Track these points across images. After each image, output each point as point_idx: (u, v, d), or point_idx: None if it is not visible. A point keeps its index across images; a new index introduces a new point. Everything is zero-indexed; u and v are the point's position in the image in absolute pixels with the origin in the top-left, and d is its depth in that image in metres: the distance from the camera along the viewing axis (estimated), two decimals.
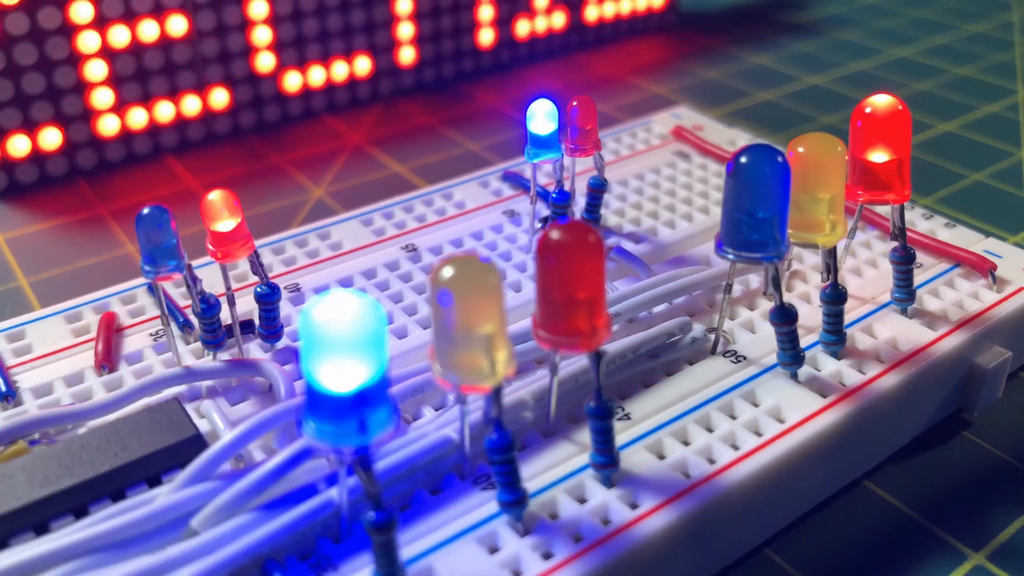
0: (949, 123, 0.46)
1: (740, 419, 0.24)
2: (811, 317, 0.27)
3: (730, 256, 0.24)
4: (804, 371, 0.25)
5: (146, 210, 0.24)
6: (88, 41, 0.40)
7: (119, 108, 0.42)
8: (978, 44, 0.56)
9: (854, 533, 0.24)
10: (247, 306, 0.28)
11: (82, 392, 0.26)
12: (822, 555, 0.24)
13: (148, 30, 0.42)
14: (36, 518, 0.21)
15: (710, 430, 0.24)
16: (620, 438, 0.23)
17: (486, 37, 0.52)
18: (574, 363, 0.25)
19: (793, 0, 0.64)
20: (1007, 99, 0.48)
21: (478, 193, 0.35)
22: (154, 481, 0.23)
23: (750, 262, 0.23)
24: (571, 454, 0.23)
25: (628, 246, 0.31)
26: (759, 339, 0.27)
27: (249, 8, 0.44)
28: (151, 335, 0.28)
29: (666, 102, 0.48)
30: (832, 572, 0.23)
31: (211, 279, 0.29)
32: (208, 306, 0.26)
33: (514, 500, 0.21)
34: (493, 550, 0.21)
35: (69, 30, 0.40)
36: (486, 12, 0.51)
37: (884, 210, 0.31)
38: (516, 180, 0.36)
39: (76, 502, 0.22)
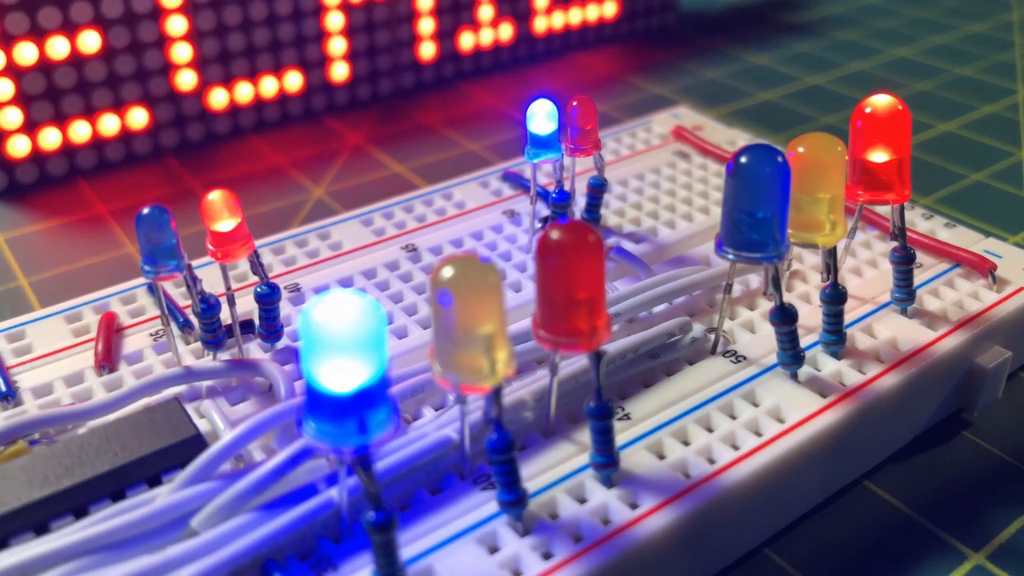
0: (949, 123, 0.46)
1: (740, 419, 0.24)
2: (811, 317, 0.27)
3: (730, 256, 0.24)
4: (804, 371, 0.25)
5: (146, 210, 0.24)
6: (88, 41, 0.40)
7: (119, 108, 0.42)
8: (978, 44, 0.56)
9: (854, 533, 0.24)
10: (247, 306, 0.28)
11: (82, 392, 0.26)
12: (822, 555, 0.24)
13: (148, 30, 0.42)
14: (36, 518, 0.21)
15: (710, 430, 0.24)
16: (620, 438, 0.23)
17: (486, 37, 0.52)
18: (574, 363, 0.25)
19: (793, 0, 0.64)
20: (1007, 99, 0.48)
21: (478, 193, 0.35)
22: (154, 481, 0.23)
23: (750, 262, 0.23)
24: (571, 454, 0.23)
25: (628, 246, 0.31)
26: (759, 339, 0.27)
27: (249, 9, 0.44)
28: (151, 335, 0.28)
29: (666, 102, 0.48)
30: (832, 572, 0.23)
31: (211, 279, 0.29)
32: (208, 306, 0.26)
33: (514, 500, 0.21)
34: (493, 550, 0.21)
35: (71, 29, 0.40)
36: (486, 12, 0.51)
37: (884, 210, 0.31)
38: (516, 180, 0.36)
39: (76, 502, 0.22)
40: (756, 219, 0.23)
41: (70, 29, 0.40)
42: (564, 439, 0.24)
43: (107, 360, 0.27)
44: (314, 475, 0.22)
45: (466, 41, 0.51)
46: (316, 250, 0.32)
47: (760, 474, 0.23)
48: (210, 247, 0.25)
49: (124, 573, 0.20)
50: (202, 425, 0.24)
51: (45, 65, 0.40)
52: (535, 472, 0.23)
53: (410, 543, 0.21)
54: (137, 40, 0.42)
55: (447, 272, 0.19)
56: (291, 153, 0.44)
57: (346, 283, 0.30)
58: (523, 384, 0.24)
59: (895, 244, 0.27)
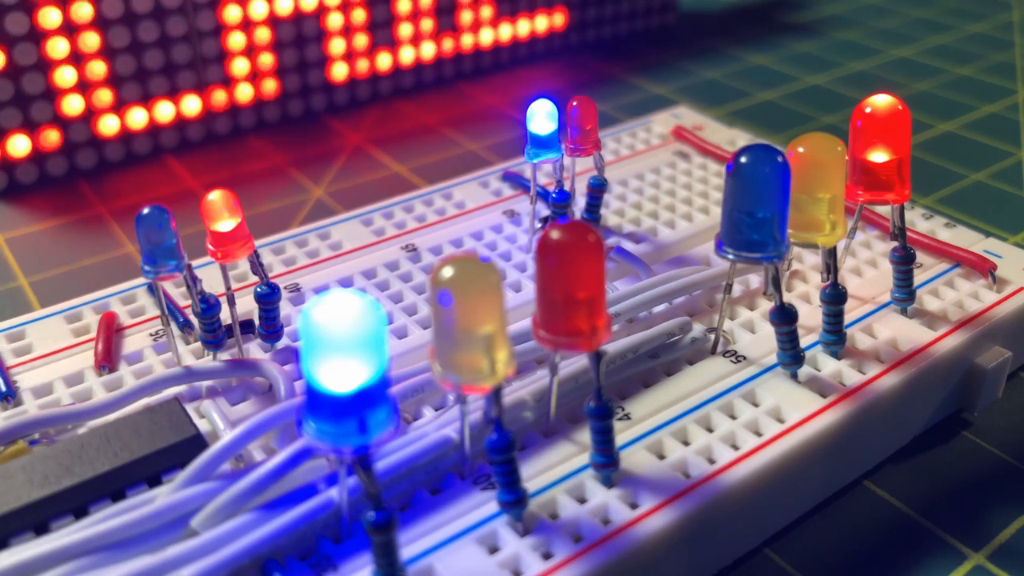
0: (949, 123, 0.46)
1: (740, 419, 0.24)
2: (811, 317, 0.27)
3: (730, 256, 0.24)
4: (804, 371, 0.25)
5: (146, 210, 0.24)
6: (88, 41, 0.40)
7: (119, 108, 0.42)
8: (978, 44, 0.56)
9: (854, 533, 0.24)
10: (247, 306, 0.28)
11: (82, 392, 0.26)
12: (822, 555, 0.24)
13: (148, 30, 0.42)
14: (36, 518, 0.21)
15: (710, 430, 0.24)
16: (620, 438, 0.23)
17: (486, 37, 0.52)
18: (574, 363, 0.25)
19: (793, 0, 0.64)
20: (1007, 99, 0.48)
21: (478, 193, 0.35)
22: (154, 481, 0.23)
23: (750, 262, 0.23)
24: (571, 454, 0.23)
25: (628, 246, 0.31)
26: (759, 339, 0.27)
27: (248, 9, 0.44)
28: (151, 335, 0.28)
29: (666, 102, 0.48)
30: (832, 572, 0.23)
31: (211, 279, 0.29)
32: (208, 306, 0.26)
33: (514, 500, 0.21)
34: (493, 550, 0.21)
35: (71, 29, 0.40)
36: (486, 12, 0.51)
37: (884, 210, 0.31)
38: (516, 180, 0.36)
39: (76, 502, 0.22)
40: (756, 219, 0.23)
41: (70, 29, 0.40)
42: (564, 439, 0.24)
43: (107, 360, 0.27)
44: (314, 475, 0.22)
45: (466, 41, 0.51)
46: (316, 250, 0.32)
47: (760, 474, 0.23)
48: (210, 247, 0.25)
49: (124, 573, 0.20)
50: (202, 425, 0.24)
51: (45, 65, 0.40)
52: (535, 472, 0.23)
53: (410, 543, 0.21)
54: (137, 40, 0.42)
55: (447, 272, 0.19)
56: (291, 153, 0.44)
57: (346, 283, 0.30)
58: (523, 384, 0.24)
59: (895, 244, 0.27)
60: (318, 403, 0.18)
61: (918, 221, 0.32)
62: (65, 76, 0.40)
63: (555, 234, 0.20)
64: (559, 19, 0.54)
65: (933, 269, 0.30)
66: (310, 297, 0.30)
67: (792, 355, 0.25)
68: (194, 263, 0.30)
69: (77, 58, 0.41)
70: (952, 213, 0.38)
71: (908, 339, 0.27)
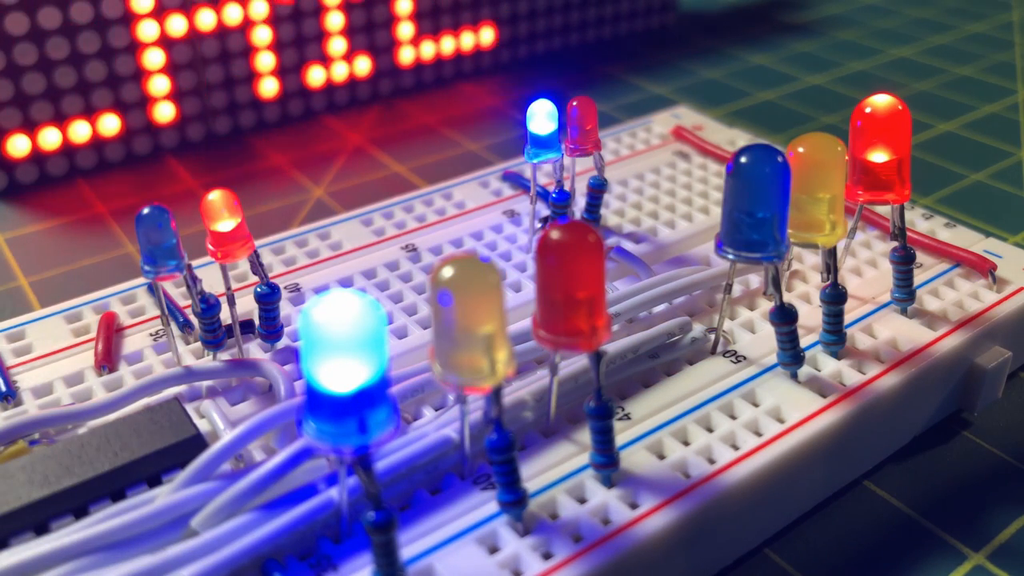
0: (949, 123, 0.46)
1: (740, 419, 0.24)
2: (811, 317, 0.27)
3: (730, 256, 0.24)
4: (804, 371, 0.25)
5: (146, 210, 0.24)
6: (89, 41, 0.40)
7: (119, 108, 0.42)
8: (978, 44, 0.56)
9: (854, 533, 0.24)
10: (247, 306, 0.28)
11: (82, 392, 0.26)
12: (822, 555, 0.24)
13: (148, 30, 0.42)
14: (36, 518, 0.21)
15: (710, 430, 0.24)
16: (620, 438, 0.23)
17: (486, 37, 0.52)
18: (574, 363, 0.25)
19: (793, 0, 0.64)
20: (1007, 99, 0.48)
21: (478, 193, 0.35)
22: (154, 481, 0.23)
23: (750, 262, 0.23)
24: (571, 454, 0.23)
25: (628, 246, 0.31)
26: (759, 339, 0.27)
27: (248, 8, 0.44)
28: (151, 335, 0.28)
29: (666, 102, 0.48)
30: (832, 572, 0.23)
31: (211, 279, 0.29)
32: (208, 306, 0.26)
33: (514, 500, 0.21)
34: (493, 550, 0.21)
35: (71, 30, 0.40)
36: (486, 13, 0.51)
37: (884, 210, 0.31)
38: (516, 180, 0.36)
39: (76, 502, 0.22)
40: (756, 219, 0.23)
41: (69, 29, 0.40)
42: (564, 439, 0.24)
43: (107, 360, 0.27)
44: (314, 475, 0.22)
45: (466, 41, 0.51)
46: (316, 250, 0.32)
47: (760, 474, 0.23)
48: (210, 247, 0.25)
49: (124, 573, 0.20)
50: (202, 425, 0.24)
51: (45, 65, 0.40)
52: (535, 472, 0.23)
53: (410, 543, 0.21)
54: (136, 40, 0.42)
55: (447, 272, 0.19)
56: (291, 153, 0.44)
57: (346, 283, 0.30)
58: (523, 384, 0.24)
59: (895, 244, 0.27)
60: (318, 403, 0.18)
61: (918, 221, 0.32)
62: (65, 76, 0.40)
63: (555, 234, 0.20)
64: (558, 19, 0.54)
65: (933, 269, 0.30)
66: (310, 297, 0.30)
67: (792, 355, 0.25)
68: (194, 263, 0.30)
69: (77, 58, 0.41)
70: (952, 213, 0.38)
71: (908, 339, 0.27)
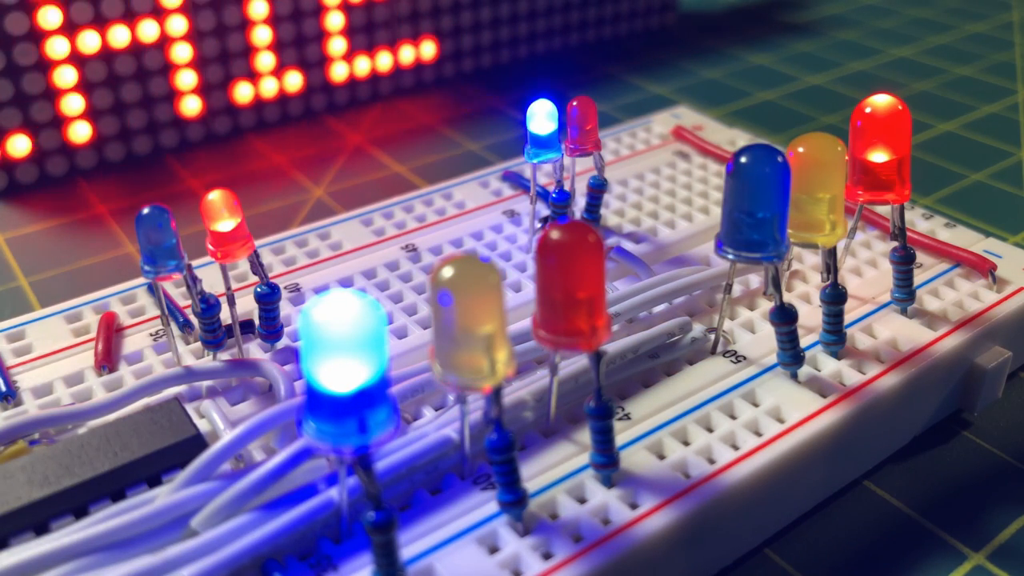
0: (949, 123, 0.46)
1: (740, 419, 0.24)
2: (811, 317, 0.27)
3: (730, 256, 0.24)
4: (804, 371, 0.25)
5: (146, 210, 0.24)
6: (88, 41, 0.40)
7: (119, 108, 0.42)
8: (978, 44, 0.56)
9: (854, 533, 0.24)
10: (247, 306, 0.28)
11: (82, 392, 0.26)
12: (822, 555, 0.24)
13: (148, 30, 0.42)
14: (36, 518, 0.21)
15: (710, 430, 0.24)
16: (620, 438, 0.23)
17: (486, 37, 0.52)
18: (574, 363, 0.25)
19: (793, 0, 0.64)
20: (1007, 99, 0.48)
21: (478, 193, 0.35)
22: (154, 481, 0.23)
23: (750, 262, 0.23)
24: (571, 454, 0.23)
25: (628, 246, 0.31)
26: (759, 339, 0.27)
27: (249, 8, 0.44)
28: (151, 335, 0.28)
29: (666, 102, 0.48)
30: (832, 572, 0.23)
31: (211, 279, 0.29)
32: (208, 306, 0.26)
33: (514, 500, 0.21)
34: (493, 550, 0.21)
35: (71, 30, 0.40)
36: (486, 13, 0.51)
37: (884, 210, 0.31)
38: (516, 180, 0.36)
39: (76, 502, 0.22)
40: (756, 219, 0.23)
41: (70, 29, 0.40)
42: (564, 439, 0.24)
43: (107, 360, 0.27)
44: (314, 475, 0.22)
45: (467, 41, 0.51)
46: (316, 250, 0.32)
47: (760, 474, 0.23)
48: (210, 247, 0.25)
49: (124, 573, 0.20)
50: (202, 425, 0.24)
51: (45, 65, 0.40)
52: (535, 472, 0.23)
53: (410, 543, 0.21)
54: (137, 40, 0.42)
55: (447, 272, 0.19)
56: (291, 153, 0.44)
57: (346, 283, 0.30)
58: (523, 384, 0.24)
59: (895, 244, 0.27)
60: (318, 403, 0.18)
61: (918, 221, 0.32)
62: (65, 76, 0.40)
63: (555, 234, 0.20)
64: (557, 19, 0.54)
65: (933, 269, 0.30)
66: (310, 297, 0.30)
67: (792, 355, 0.25)
68: (194, 263, 0.30)
69: (77, 58, 0.41)
70: (952, 213, 0.38)
71: (908, 339, 0.27)
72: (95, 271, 0.36)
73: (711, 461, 0.23)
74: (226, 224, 0.25)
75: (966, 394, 0.28)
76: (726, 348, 0.27)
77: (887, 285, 0.29)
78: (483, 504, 0.22)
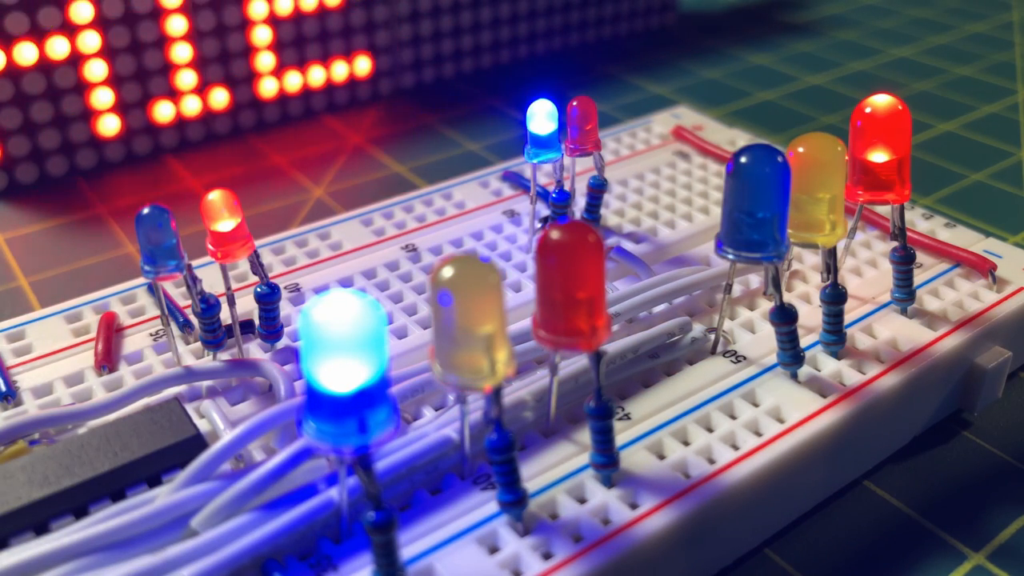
0: (949, 123, 0.46)
1: (740, 419, 0.24)
2: (811, 317, 0.27)
3: (730, 256, 0.24)
4: (804, 371, 0.25)
5: (146, 210, 0.24)
6: (88, 41, 0.40)
7: (119, 108, 0.42)
8: (978, 44, 0.56)
9: (854, 533, 0.24)
10: (247, 306, 0.28)
11: (82, 392, 0.26)
12: (822, 555, 0.24)
13: (148, 30, 0.42)
14: (36, 518, 0.21)
15: (710, 430, 0.24)
16: (620, 438, 0.23)
17: (486, 37, 0.52)
18: (574, 363, 0.25)
19: (793, 0, 0.64)
20: (1007, 99, 0.48)
21: (478, 193, 0.35)
22: (154, 481, 0.23)
23: (750, 262, 0.23)
24: (571, 454, 0.23)
25: (628, 246, 0.31)
26: (759, 339, 0.27)
27: (249, 8, 0.44)
28: (151, 335, 0.28)
29: (666, 102, 0.48)
30: (832, 572, 0.23)
31: (211, 279, 0.29)
32: (208, 306, 0.26)
33: (514, 500, 0.21)
34: (493, 550, 0.21)
35: (71, 30, 0.40)
36: (486, 13, 0.51)
37: (884, 210, 0.31)
38: (516, 180, 0.36)
39: (76, 502, 0.22)
40: (756, 219, 0.23)
41: (70, 29, 0.40)
42: (564, 439, 0.24)
43: (107, 360, 0.27)
44: (314, 475, 0.22)
45: (466, 41, 0.51)
46: (316, 250, 0.32)
47: (760, 474, 0.23)
48: (210, 247, 0.25)
49: (124, 573, 0.20)
50: (202, 425, 0.24)
51: (45, 65, 0.40)
52: (535, 472, 0.23)
53: (410, 543, 0.21)
54: (137, 40, 0.42)
55: (447, 272, 0.19)
56: (291, 153, 0.44)
57: (346, 283, 0.30)
58: (523, 384, 0.24)
59: (895, 244, 0.27)
60: (318, 403, 0.18)
61: (918, 221, 0.32)
62: (65, 76, 0.40)
63: (555, 234, 0.20)
64: (556, 18, 0.54)
65: (933, 269, 0.30)
66: (310, 297, 0.30)
67: (792, 355, 0.25)
68: (194, 263, 0.30)
69: (77, 58, 0.41)
70: (952, 213, 0.38)
71: (908, 339, 0.27)
72: (95, 271, 0.36)
73: (711, 461, 0.23)
74: (226, 224, 0.25)
75: (966, 394, 0.28)
76: (726, 348, 0.27)
77: (887, 285, 0.29)
78: (483, 504, 0.22)
